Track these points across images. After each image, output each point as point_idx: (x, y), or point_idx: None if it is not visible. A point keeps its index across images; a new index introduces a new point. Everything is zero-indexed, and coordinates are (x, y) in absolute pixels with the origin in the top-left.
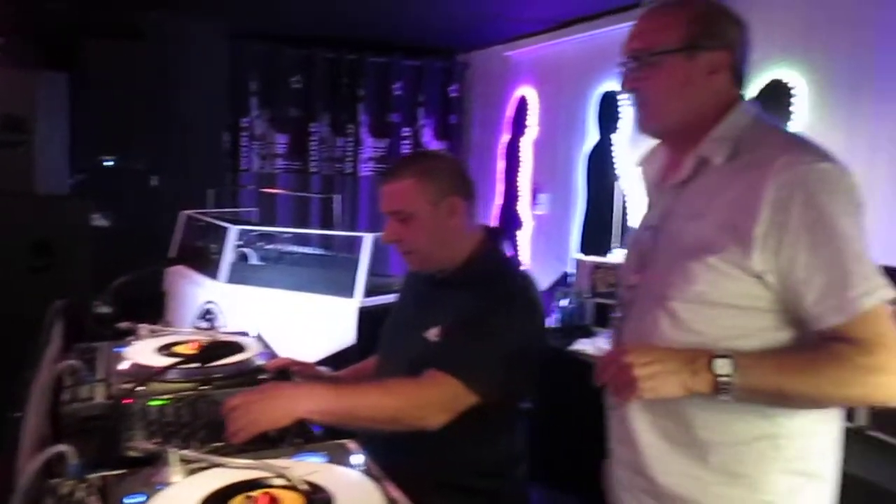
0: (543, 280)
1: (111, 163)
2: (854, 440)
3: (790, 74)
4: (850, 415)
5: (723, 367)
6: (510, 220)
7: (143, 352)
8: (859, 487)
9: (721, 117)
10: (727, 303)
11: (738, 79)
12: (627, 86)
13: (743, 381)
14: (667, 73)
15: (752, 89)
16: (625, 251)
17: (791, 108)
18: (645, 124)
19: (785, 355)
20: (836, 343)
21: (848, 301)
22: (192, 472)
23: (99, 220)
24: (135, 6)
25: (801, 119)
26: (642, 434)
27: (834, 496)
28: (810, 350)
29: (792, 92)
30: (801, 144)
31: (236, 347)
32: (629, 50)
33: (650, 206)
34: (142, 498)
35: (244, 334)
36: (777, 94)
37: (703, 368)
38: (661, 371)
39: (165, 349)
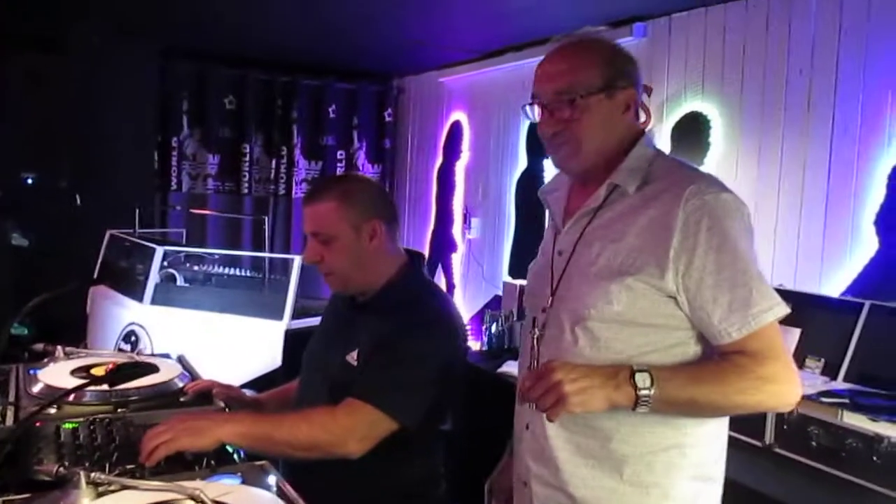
0: (475, 303)
1: (32, 180)
2: (762, 457)
3: (706, 107)
4: (758, 433)
5: (643, 380)
6: (443, 243)
7: (57, 374)
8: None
9: (629, 150)
10: (643, 321)
11: (637, 113)
12: (553, 127)
13: (661, 393)
14: (593, 112)
15: (670, 120)
16: (531, 275)
17: (708, 139)
18: (570, 162)
19: (696, 368)
20: (736, 356)
21: (751, 317)
22: (101, 494)
23: (18, 240)
24: (59, 20)
25: (717, 148)
26: (559, 451)
27: (721, 496)
28: (716, 363)
29: (709, 123)
30: (703, 176)
31: (150, 368)
32: (552, 89)
33: (558, 232)
34: None
35: (166, 356)
36: (694, 125)
37: (624, 382)
38: (589, 386)
39: (81, 371)
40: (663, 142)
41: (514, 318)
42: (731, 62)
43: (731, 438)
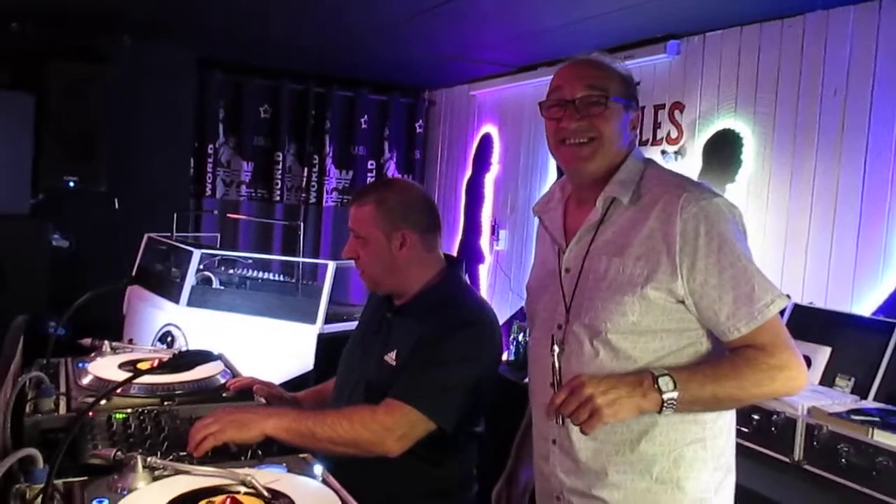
0: (502, 314)
1: (73, 184)
2: (791, 474)
3: (738, 125)
4: (788, 449)
5: (666, 384)
6: (471, 254)
7: (105, 367)
8: None
9: (621, 164)
10: (657, 328)
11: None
12: (580, 122)
13: (684, 394)
14: (617, 117)
15: (702, 137)
16: (533, 292)
17: (740, 156)
18: (590, 162)
19: (712, 366)
20: (747, 350)
21: (756, 311)
22: (156, 478)
23: (59, 241)
24: (102, 30)
25: (748, 166)
26: (592, 462)
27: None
28: (729, 359)
29: (741, 140)
30: (694, 183)
31: (208, 356)
32: (585, 85)
33: (561, 249)
34: (106, 502)
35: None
36: (726, 142)
37: (650, 389)
38: (618, 397)
39: (128, 365)
40: (695, 158)
41: None
42: (764, 81)
43: (760, 454)
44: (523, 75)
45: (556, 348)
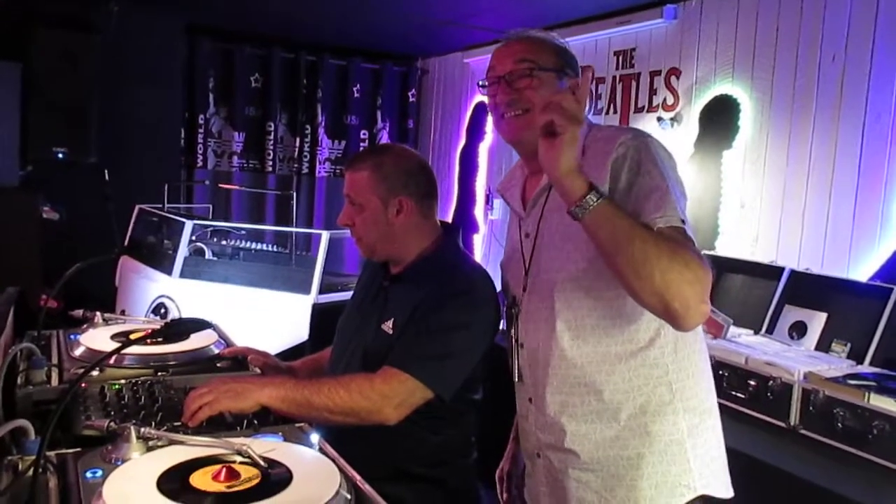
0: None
1: (63, 155)
2: (787, 438)
3: (736, 90)
4: (783, 414)
5: (600, 189)
6: (465, 223)
7: (97, 338)
8: (793, 484)
9: None
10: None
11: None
12: (510, 94)
13: (606, 205)
14: (546, 87)
15: (699, 103)
16: (503, 270)
17: (738, 122)
18: (523, 132)
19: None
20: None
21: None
22: (150, 449)
23: (49, 213)
24: None
25: (746, 132)
26: (560, 415)
27: (719, 428)
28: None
29: (738, 106)
30: (633, 130)
31: (202, 324)
32: (513, 60)
33: (522, 221)
34: (100, 472)
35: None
36: (723, 108)
37: (582, 182)
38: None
39: (121, 336)
40: (691, 124)
41: None
42: (762, 46)
43: (756, 420)
44: None
45: (515, 309)
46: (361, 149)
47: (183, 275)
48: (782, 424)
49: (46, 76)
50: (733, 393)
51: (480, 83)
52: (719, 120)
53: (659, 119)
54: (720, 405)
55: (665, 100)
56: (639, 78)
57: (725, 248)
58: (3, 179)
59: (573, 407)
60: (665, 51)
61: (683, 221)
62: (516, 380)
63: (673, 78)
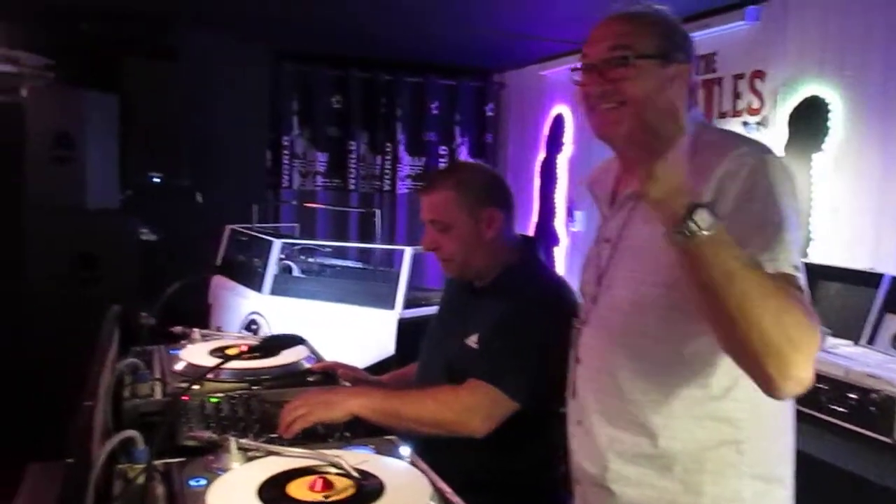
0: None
1: (158, 179)
2: (892, 455)
3: (825, 91)
4: (886, 430)
5: (702, 219)
6: (546, 236)
7: (196, 353)
8: None
9: None
10: (686, 306)
11: (689, 90)
12: (602, 86)
13: (716, 235)
14: (645, 76)
15: (786, 106)
16: (581, 271)
17: (827, 124)
18: (616, 128)
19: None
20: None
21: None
22: (249, 459)
23: (147, 235)
24: (175, 27)
25: (836, 134)
26: (607, 450)
27: (791, 499)
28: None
29: (828, 108)
30: (749, 140)
31: (296, 340)
32: (606, 46)
33: (606, 221)
34: (203, 481)
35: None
36: (812, 110)
37: (684, 205)
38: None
39: (218, 351)
40: (779, 128)
41: None
42: (852, 43)
43: (857, 435)
44: None
45: (578, 324)
46: (441, 165)
47: (273, 292)
48: (886, 440)
49: (140, 105)
50: (832, 407)
51: (573, 68)
52: (808, 122)
53: (745, 124)
54: (817, 419)
55: (750, 103)
56: (721, 82)
57: (818, 254)
58: (105, 204)
59: (622, 444)
60: (747, 53)
61: (796, 268)
62: (569, 396)
63: (757, 81)
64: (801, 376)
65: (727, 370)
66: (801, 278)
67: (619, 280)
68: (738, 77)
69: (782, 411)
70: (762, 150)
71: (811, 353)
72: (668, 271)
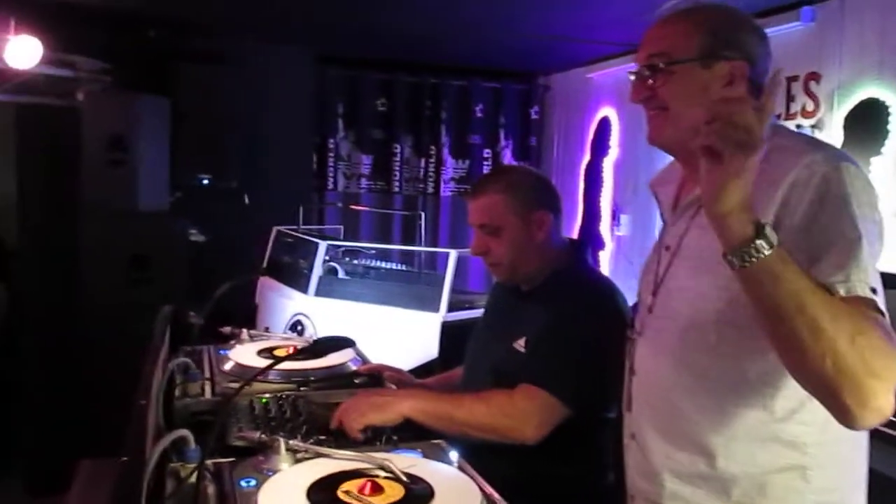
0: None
1: (207, 181)
2: None
3: (884, 93)
4: None
5: (771, 234)
6: (591, 240)
7: (245, 354)
8: None
9: None
10: (743, 322)
11: (757, 90)
12: (639, 94)
13: (777, 255)
14: (681, 81)
15: (843, 109)
16: (640, 275)
17: (887, 127)
18: (660, 135)
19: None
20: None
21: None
22: (298, 461)
23: (196, 236)
24: (226, 33)
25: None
26: (662, 468)
27: None
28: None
29: (887, 110)
30: (825, 146)
31: (347, 342)
32: (645, 54)
33: (666, 227)
34: (253, 482)
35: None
36: (871, 113)
37: (748, 222)
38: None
39: (266, 352)
40: (835, 131)
41: None
42: None
43: None
44: None
45: (632, 334)
46: (485, 168)
47: (318, 293)
48: None
49: (190, 108)
50: None
51: (629, 73)
52: (866, 125)
53: (798, 126)
54: (890, 437)
55: (804, 106)
56: None
57: (881, 261)
58: (156, 206)
59: (678, 463)
60: (802, 54)
61: (874, 291)
62: (624, 408)
63: (812, 83)
64: (880, 405)
65: (793, 391)
66: (880, 301)
67: (676, 291)
68: (793, 79)
69: (854, 435)
70: (838, 156)
71: (892, 380)
72: (729, 285)
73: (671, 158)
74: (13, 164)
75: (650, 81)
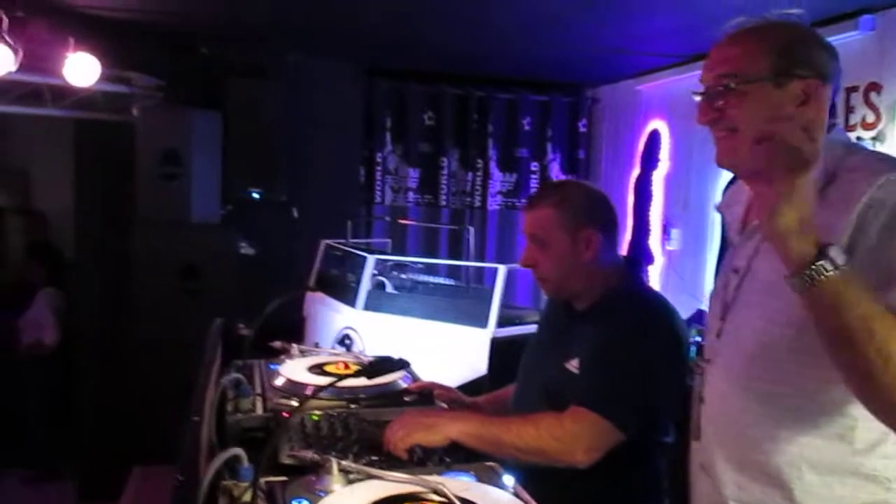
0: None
1: (257, 195)
2: None
3: None
4: None
5: (836, 255)
6: (640, 254)
7: (295, 369)
8: None
9: None
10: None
11: (831, 108)
12: (707, 115)
13: (842, 277)
14: (753, 101)
15: None
16: (712, 297)
17: None
18: (729, 157)
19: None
20: None
21: None
22: (351, 482)
23: (245, 249)
24: (276, 48)
25: None
26: (732, 499)
27: None
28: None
29: None
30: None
31: (401, 364)
32: (713, 74)
33: (735, 250)
34: (306, 502)
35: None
36: None
37: (811, 243)
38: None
39: (316, 368)
40: (895, 145)
41: None
42: None
43: None
44: (694, 66)
45: (700, 362)
46: (532, 182)
47: (366, 307)
48: None
49: (240, 122)
50: None
51: (693, 93)
52: None
53: (858, 139)
54: None
55: (864, 117)
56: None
57: None
58: (207, 218)
59: (751, 495)
60: (861, 64)
61: None
62: (693, 438)
63: (872, 94)
64: None
65: (875, 422)
66: None
67: (745, 316)
68: (852, 90)
69: None
70: None
71: None
72: (800, 311)
73: (724, 173)
74: (71, 177)
75: (720, 102)
